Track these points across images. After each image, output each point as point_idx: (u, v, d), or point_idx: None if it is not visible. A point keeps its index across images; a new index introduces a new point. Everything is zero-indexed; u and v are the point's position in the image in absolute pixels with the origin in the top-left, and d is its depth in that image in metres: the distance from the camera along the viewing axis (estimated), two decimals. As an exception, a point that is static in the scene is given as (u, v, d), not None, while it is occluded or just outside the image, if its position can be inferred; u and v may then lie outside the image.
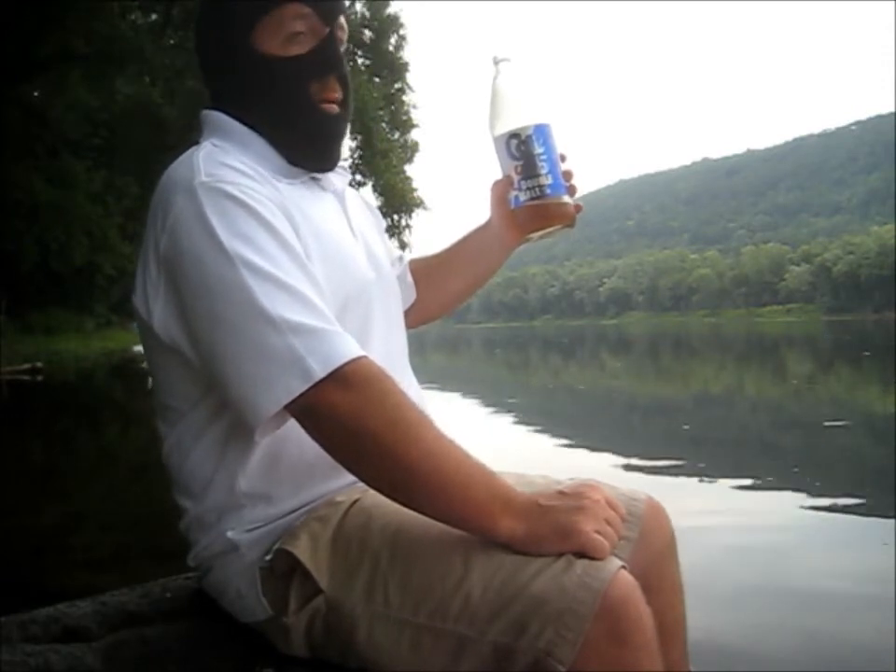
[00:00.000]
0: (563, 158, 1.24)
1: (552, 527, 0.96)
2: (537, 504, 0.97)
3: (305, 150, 1.15)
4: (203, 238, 0.99)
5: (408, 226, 32.37)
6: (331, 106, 1.15)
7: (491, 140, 1.23)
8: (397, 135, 33.48)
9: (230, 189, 1.02)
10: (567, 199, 1.22)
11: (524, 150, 1.19)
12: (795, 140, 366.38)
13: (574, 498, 0.98)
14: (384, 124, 32.10)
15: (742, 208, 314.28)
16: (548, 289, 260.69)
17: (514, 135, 1.19)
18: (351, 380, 0.96)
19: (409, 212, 32.30)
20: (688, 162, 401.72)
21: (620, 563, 0.96)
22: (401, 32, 33.47)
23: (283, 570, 1.05)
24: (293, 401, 0.96)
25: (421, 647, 0.97)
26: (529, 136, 1.19)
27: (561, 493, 0.99)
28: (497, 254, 1.39)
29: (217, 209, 1.00)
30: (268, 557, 1.06)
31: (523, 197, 1.21)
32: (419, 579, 0.99)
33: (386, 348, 1.18)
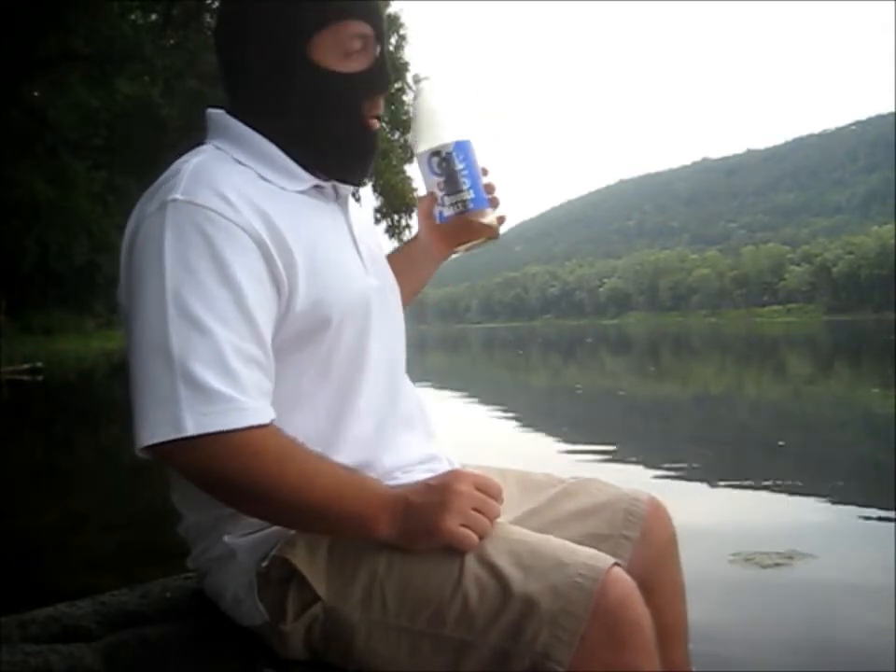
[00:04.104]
0: (485, 172, 1.28)
1: (418, 527, 0.99)
2: (405, 502, 1.00)
3: (348, 164, 1.16)
4: (151, 259, 0.99)
5: (408, 226, 32.34)
6: (375, 122, 1.16)
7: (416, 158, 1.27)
8: (397, 135, 33.48)
9: (198, 215, 0.99)
10: (489, 212, 1.26)
11: (445, 167, 1.23)
12: (795, 140, 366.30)
13: (438, 493, 1.00)
14: (384, 124, 32.10)
15: (742, 208, 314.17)
16: (548, 289, 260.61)
17: (435, 153, 1.23)
18: (221, 449, 0.94)
19: (409, 212, 32.26)
20: (688, 162, 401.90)
21: (612, 560, 0.96)
22: (401, 32, 33.47)
23: (280, 577, 1.05)
24: (163, 445, 0.94)
25: (420, 653, 0.98)
26: (449, 153, 1.23)
27: (428, 486, 1.01)
28: (427, 266, 1.42)
29: (176, 233, 0.99)
30: (265, 564, 1.06)
31: (447, 212, 1.25)
32: (416, 585, 0.99)
33: (388, 356, 1.17)
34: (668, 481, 5.14)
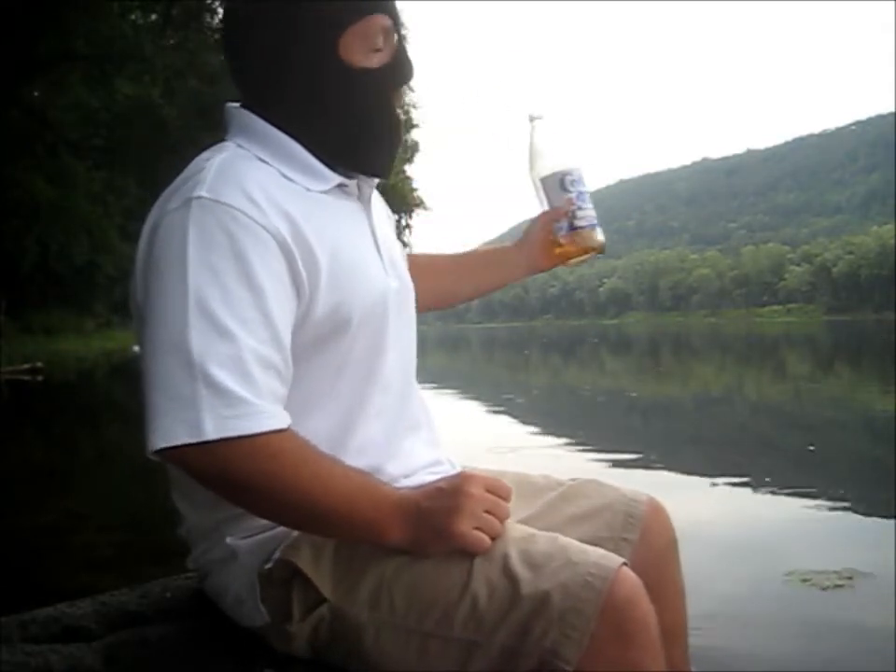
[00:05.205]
0: None
1: (430, 531, 0.99)
2: (417, 507, 0.99)
3: (380, 159, 1.15)
4: (173, 256, 0.96)
5: (408, 226, 32.44)
6: (400, 112, 1.17)
7: (533, 180, 1.40)
8: (397, 135, 33.47)
9: (224, 214, 0.97)
10: (600, 229, 1.42)
11: (576, 186, 1.38)
12: (795, 140, 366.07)
13: (449, 496, 1.00)
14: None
15: (742, 208, 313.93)
16: (548, 289, 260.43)
17: (567, 173, 1.38)
18: (238, 453, 0.93)
19: (409, 212, 32.33)
20: (688, 162, 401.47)
21: (621, 560, 0.97)
22: (402, 32, 33.47)
23: (283, 578, 1.05)
24: (178, 447, 0.92)
25: (428, 654, 0.98)
26: (580, 174, 1.39)
27: (439, 489, 1.01)
28: (521, 273, 1.47)
29: (201, 232, 0.97)
30: (268, 566, 1.06)
31: (578, 223, 1.39)
32: (425, 587, 0.99)
33: (401, 360, 1.16)
34: (710, 488, 4.81)
